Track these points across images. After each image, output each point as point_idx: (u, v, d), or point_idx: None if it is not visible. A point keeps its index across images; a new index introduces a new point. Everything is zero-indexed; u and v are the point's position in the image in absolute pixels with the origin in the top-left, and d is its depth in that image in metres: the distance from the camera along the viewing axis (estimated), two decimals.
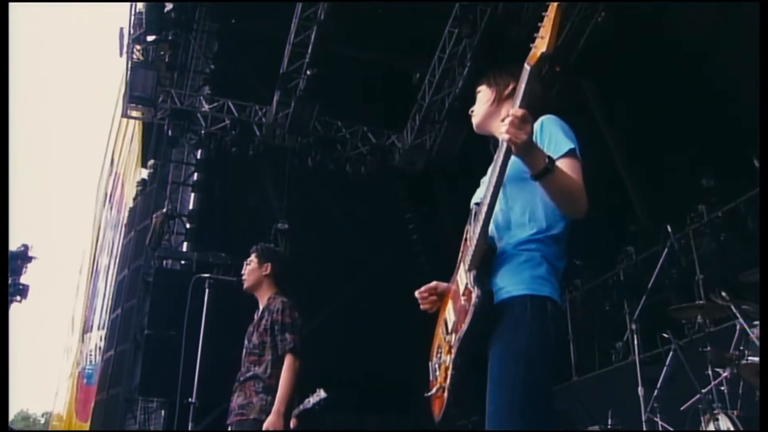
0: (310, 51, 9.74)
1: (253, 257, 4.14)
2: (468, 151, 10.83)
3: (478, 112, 2.42)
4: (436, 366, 2.23)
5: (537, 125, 2.17)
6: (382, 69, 11.38)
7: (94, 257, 19.51)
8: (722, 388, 4.95)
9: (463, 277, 2.15)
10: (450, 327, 2.17)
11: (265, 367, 3.83)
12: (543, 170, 1.96)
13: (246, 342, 3.99)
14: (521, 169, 2.03)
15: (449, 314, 2.21)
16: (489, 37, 9.59)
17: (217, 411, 7.66)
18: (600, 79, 9.93)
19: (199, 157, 11.72)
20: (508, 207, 2.18)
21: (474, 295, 2.03)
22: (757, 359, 4.55)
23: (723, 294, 5.02)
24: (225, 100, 10.93)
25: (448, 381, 2.10)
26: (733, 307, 4.88)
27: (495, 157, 2.09)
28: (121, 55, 11.02)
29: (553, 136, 2.15)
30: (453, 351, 2.08)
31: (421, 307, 2.38)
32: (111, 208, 17.85)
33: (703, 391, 5.01)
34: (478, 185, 2.42)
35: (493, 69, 2.45)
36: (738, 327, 4.88)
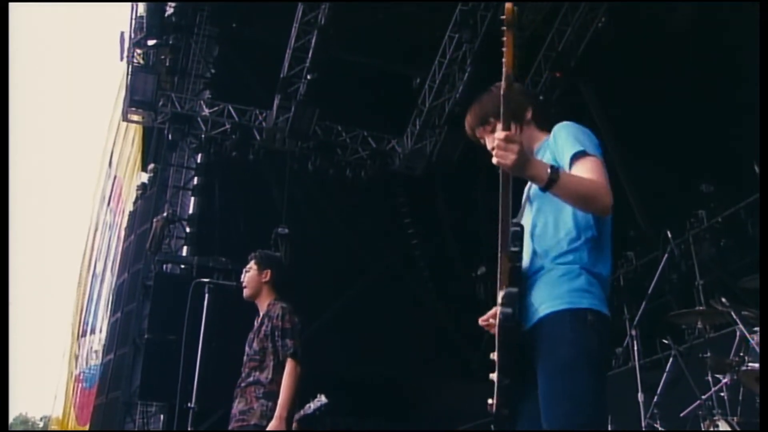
0: (310, 55, 9.75)
1: (252, 264, 4.11)
2: (468, 157, 10.84)
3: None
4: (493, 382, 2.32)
5: (550, 136, 2.26)
6: (382, 74, 11.39)
7: (90, 260, 19.47)
8: (722, 394, 4.93)
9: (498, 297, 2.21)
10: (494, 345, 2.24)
11: (267, 372, 3.83)
12: (548, 181, 2.00)
13: (246, 348, 3.99)
14: None
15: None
16: (489, 42, 9.61)
17: (216, 416, 7.67)
18: (599, 84, 9.95)
19: (199, 161, 11.71)
20: (540, 222, 2.22)
21: (498, 313, 2.09)
22: (757, 365, 4.54)
23: (723, 300, 5.01)
24: (225, 105, 10.94)
25: (495, 399, 2.15)
26: (733, 313, 4.87)
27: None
28: (121, 59, 11.02)
29: (562, 144, 2.20)
30: (496, 369, 2.14)
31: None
32: (109, 212, 17.82)
33: (703, 397, 5.00)
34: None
35: (487, 103, 2.43)
36: (738, 333, 4.87)
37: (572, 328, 2.05)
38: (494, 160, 1.98)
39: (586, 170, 2.11)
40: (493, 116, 2.36)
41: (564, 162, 2.14)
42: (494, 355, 2.16)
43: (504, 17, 2.04)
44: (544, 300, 2.12)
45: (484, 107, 2.42)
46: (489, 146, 2.39)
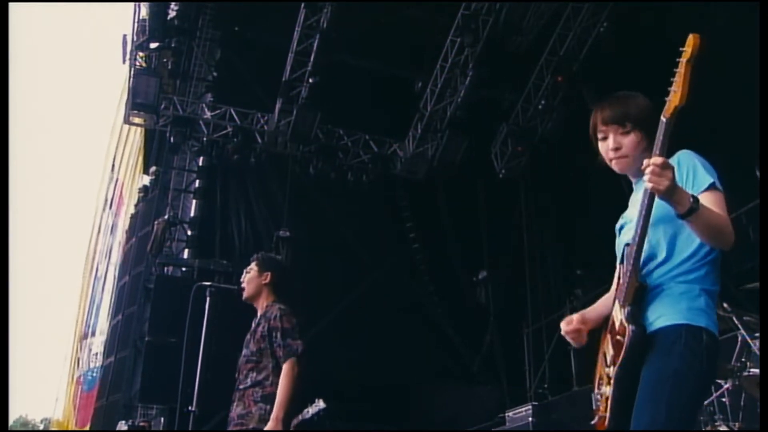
0: (312, 59, 9.77)
1: (253, 266, 4.12)
2: (469, 161, 10.83)
3: (628, 154, 2.37)
4: (598, 396, 2.37)
5: (673, 160, 2.25)
6: (384, 77, 11.40)
7: (92, 263, 19.48)
8: (724, 399, 4.92)
9: (618, 313, 2.28)
10: (608, 360, 2.32)
11: (265, 374, 3.81)
12: (689, 210, 2.06)
13: (244, 350, 3.97)
14: (669, 207, 2.12)
15: (607, 348, 2.35)
16: (491, 47, 9.62)
17: (216, 419, 7.64)
18: (601, 88, 9.94)
19: (200, 164, 11.72)
20: (663, 243, 2.28)
21: (628, 330, 2.17)
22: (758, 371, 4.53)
23: (725, 305, 4.99)
24: (227, 108, 10.94)
25: (608, 411, 2.25)
26: (734, 318, 4.86)
27: (641, 200, 2.20)
28: (124, 61, 11.05)
29: (691, 172, 2.25)
30: (612, 383, 2.24)
31: (572, 342, 2.46)
32: (111, 214, 17.84)
33: (705, 402, 4.98)
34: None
35: (632, 106, 2.40)
36: (740, 338, 4.86)
37: (686, 343, 2.13)
38: (646, 184, 2.04)
39: (714, 203, 2.17)
40: (630, 122, 2.35)
41: (691, 188, 2.19)
42: (609, 370, 2.26)
43: (685, 49, 2.09)
44: (663, 313, 2.20)
45: (629, 107, 2.38)
46: (603, 150, 2.41)
